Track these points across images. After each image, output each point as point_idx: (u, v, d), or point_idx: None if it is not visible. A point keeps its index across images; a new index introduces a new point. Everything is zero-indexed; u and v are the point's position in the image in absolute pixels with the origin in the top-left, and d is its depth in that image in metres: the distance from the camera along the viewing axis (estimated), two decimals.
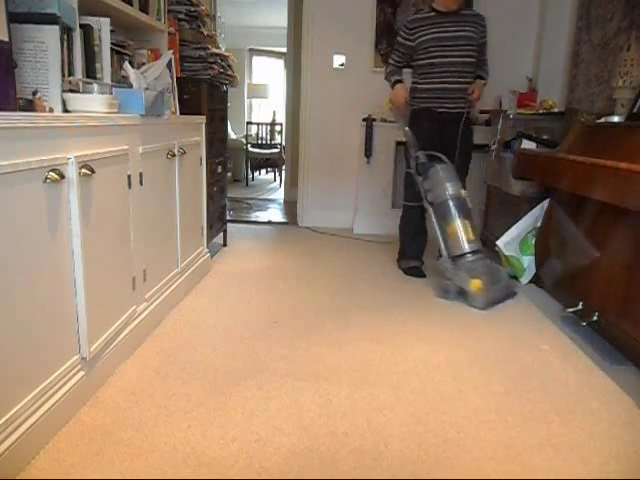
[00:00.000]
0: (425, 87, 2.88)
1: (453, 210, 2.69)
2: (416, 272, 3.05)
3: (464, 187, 2.91)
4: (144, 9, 2.26)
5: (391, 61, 3.01)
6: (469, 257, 2.64)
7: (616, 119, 2.38)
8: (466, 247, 2.64)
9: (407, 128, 2.89)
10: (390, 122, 4.02)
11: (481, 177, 3.74)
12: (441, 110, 2.86)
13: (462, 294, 2.57)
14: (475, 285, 2.48)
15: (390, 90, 3.03)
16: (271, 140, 7.20)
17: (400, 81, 2.94)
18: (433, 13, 2.82)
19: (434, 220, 2.77)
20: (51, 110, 1.50)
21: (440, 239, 2.75)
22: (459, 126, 2.86)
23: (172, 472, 1.28)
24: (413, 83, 2.96)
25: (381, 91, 4.08)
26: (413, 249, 3.11)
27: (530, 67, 3.95)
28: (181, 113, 2.56)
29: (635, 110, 2.29)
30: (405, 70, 3.00)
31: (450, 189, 2.70)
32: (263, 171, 7.78)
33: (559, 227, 2.57)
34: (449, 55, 2.79)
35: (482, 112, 3.88)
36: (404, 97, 2.91)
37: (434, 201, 2.76)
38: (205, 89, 2.87)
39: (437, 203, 2.74)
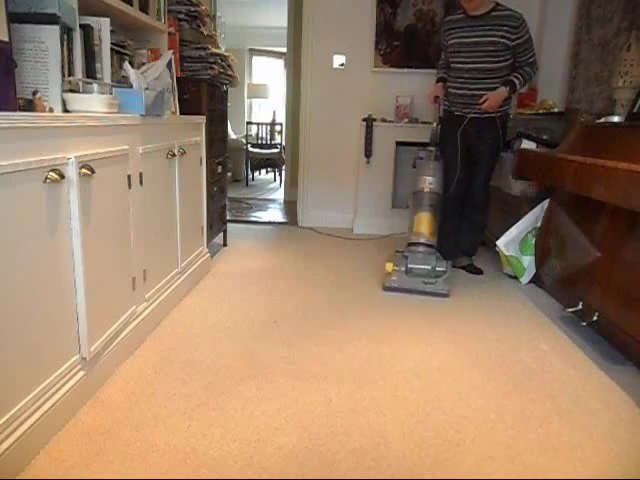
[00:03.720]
0: (450, 91, 2.97)
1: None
2: (471, 269, 3.10)
3: (480, 199, 3.04)
4: (144, 9, 2.27)
5: (440, 61, 3.14)
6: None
7: (616, 119, 2.38)
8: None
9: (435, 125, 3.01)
10: (389, 122, 4.03)
11: None
12: (458, 114, 2.94)
13: None
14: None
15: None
16: (271, 140, 7.20)
17: (442, 79, 3.01)
18: (463, 15, 2.82)
19: None
20: (51, 110, 1.50)
21: None
22: (478, 130, 2.90)
23: (172, 472, 1.28)
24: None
25: (381, 91, 4.11)
26: (452, 247, 3.10)
27: None
28: (181, 113, 2.56)
29: (635, 110, 2.29)
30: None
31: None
32: (263, 171, 7.78)
33: (559, 227, 2.57)
34: (465, 62, 2.84)
35: None
36: (434, 95, 2.98)
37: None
38: (205, 89, 2.87)
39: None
